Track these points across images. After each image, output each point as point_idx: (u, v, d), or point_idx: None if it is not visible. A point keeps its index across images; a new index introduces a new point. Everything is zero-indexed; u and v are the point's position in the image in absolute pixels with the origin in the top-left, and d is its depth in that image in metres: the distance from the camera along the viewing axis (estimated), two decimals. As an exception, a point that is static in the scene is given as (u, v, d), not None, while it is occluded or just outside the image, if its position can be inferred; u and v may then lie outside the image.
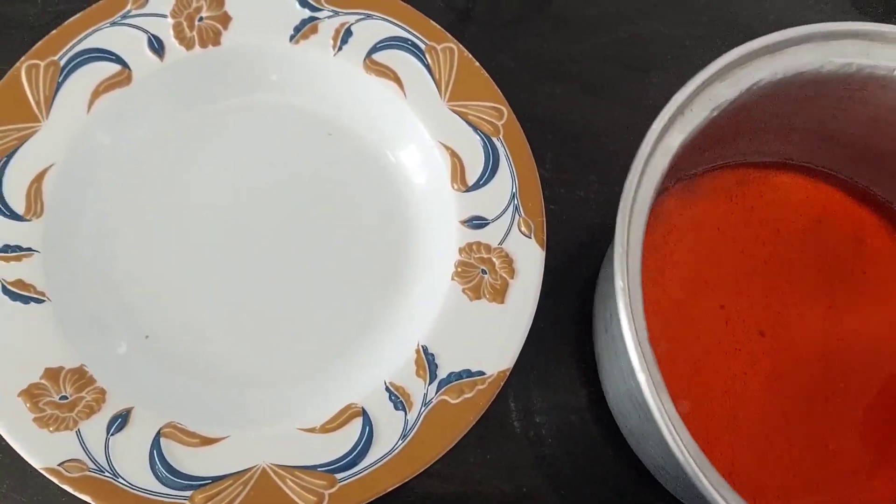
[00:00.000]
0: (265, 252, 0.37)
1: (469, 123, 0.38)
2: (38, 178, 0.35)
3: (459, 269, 0.36)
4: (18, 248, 0.34)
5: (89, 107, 0.37)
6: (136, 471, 0.32)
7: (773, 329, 0.35)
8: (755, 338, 0.35)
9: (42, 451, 0.31)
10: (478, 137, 0.38)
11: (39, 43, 0.37)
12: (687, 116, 0.29)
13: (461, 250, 0.36)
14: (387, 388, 0.34)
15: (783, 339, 0.35)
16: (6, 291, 0.33)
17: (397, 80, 0.39)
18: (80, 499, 0.31)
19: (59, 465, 0.31)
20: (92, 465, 0.31)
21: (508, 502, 0.36)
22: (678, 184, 0.37)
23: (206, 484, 0.32)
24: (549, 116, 0.42)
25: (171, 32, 0.38)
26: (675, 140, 0.29)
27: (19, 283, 0.34)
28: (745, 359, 0.35)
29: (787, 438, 0.34)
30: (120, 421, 0.32)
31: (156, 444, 0.32)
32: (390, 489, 0.32)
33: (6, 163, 0.35)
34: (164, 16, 0.38)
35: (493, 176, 0.37)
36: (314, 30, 0.39)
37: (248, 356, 0.36)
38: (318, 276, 0.37)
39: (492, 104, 0.38)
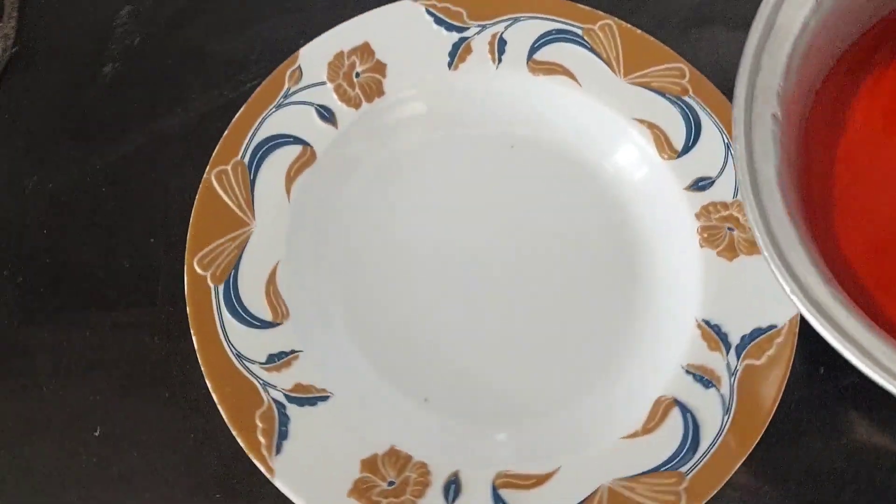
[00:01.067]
0: (505, 286, 0.37)
1: (655, 91, 0.37)
2: (271, 280, 0.34)
3: (705, 235, 0.35)
4: (283, 354, 0.33)
5: (289, 194, 0.36)
6: (490, 530, 0.31)
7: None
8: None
9: (395, 541, 0.30)
10: (669, 102, 0.37)
11: (218, 147, 0.36)
12: None
13: (698, 216, 0.36)
14: (687, 371, 0.34)
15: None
16: (292, 400, 0.32)
17: (567, 73, 0.38)
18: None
19: (418, 549, 0.30)
20: (448, 539, 0.31)
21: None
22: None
23: (563, 520, 0.31)
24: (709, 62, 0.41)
25: (335, 97, 0.37)
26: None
27: (298, 387, 0.33)
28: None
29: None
30: (454, 487, 0.32)
31: (497, 498, 0.32)
32: (737, 466, 0.32)
33: (236, 275, 0.34)
34: (323, 83, 0.37)
35: (699, 134, 0.37)
36: (468, 50, 0.38)
37: (517, 390, 0.35)
38: (560, 292, 0.37)
39: (670, 65, 0.38)
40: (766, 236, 0.26)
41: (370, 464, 0.32)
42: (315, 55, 0.37)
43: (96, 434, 0.35)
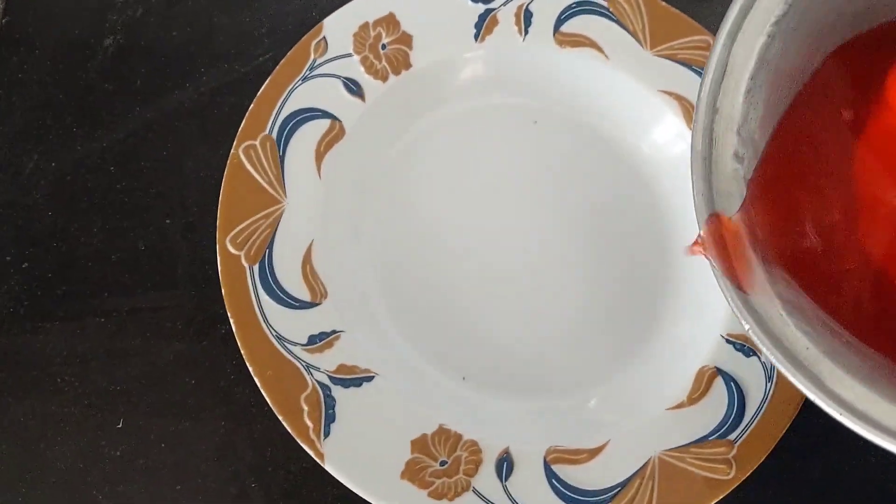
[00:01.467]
0: (540, 261, 0.36)
1: (682, 63, 0.37)
2: (307, 259, 0.33)
3: (737, 205, 0.35)
4: (324, 334, 0.32)
5: (319, 171, 0.34)
6: (548, 506, 0.31)
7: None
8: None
9: (454, 522, 0.30)
10: (696, 74, 0.37)
11: (245, 120, 0.34)
12: None
13: (729, 186, 0.36)
14: (728, 341, 0.34)
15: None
16: (336, 381, 0.31)
17: (594, 45, 0.38)
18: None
19: (476, 528, 0.30)
20: (506, 517, 0.30)
21: None
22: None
23: (617, 492, 0.31)
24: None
25: (362, 69, 0.36)
26: None
27: (343, 367, 0.32)
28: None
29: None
30: (506, 464, 0.31)
31: (550, 473, 0.31)
32: (783, 432, 0.32)
33: (271, 253, 0.32)
34: (350, 55, 0.36)
35: (727, 105, 0.37)
36: (494, 21, 0.37)
37: (555, 366, 0.35)
38: (596, 267, 0.36)
39: (696, 37, 0.38)
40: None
41: (420, 444, 0.31)
42: (340, 26, 0.36)
43: (119, 426, 0.33)
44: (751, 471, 0.31)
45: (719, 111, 0.27)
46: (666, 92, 0.37)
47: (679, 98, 0.37)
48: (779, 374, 0.32)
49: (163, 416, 0.33)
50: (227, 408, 0.33)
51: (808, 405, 0.33)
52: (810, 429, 0.35)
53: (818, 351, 0.24)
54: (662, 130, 0.37)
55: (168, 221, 0.36)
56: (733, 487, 0.31)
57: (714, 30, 0.38)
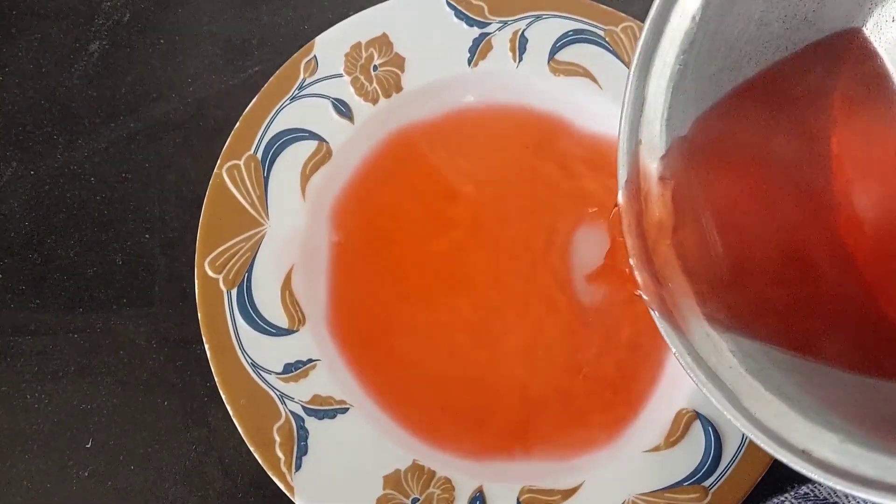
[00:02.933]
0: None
1: (676, 98, 0.37)
2: (287, 284, 0.32)
3: (724, 246, 0.35)
4: (300, 363, 0.32)
5: (304, 193, 0.34)
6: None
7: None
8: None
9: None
10: (689, 110, 0.37)
11: (230, 139, 0.33)
12: None
13: (717, 226, 0.35)
14: (708, 384, 0.33)
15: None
16: (310, 412, 0.31)
17: (588, 75, 0.37)
18: None
19: (446, 569, 0.29)
20: (476, 558, 0.30)
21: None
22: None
23: (589, 535, 0.31)
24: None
25: (352, 90, 0.35)
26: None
27: (317, 398, 0.31)
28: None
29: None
30: (479, 502, 0.31)
31: (523, 514, 0.31)
32: (760, 477, 0.32)
33: (249, 278, 0.32)
34: (340, 75, 0.35)
35: (720, 143, 0.36)
36: (489, 46, 0.37)
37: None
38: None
39: (691, 73, 0.37)
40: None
41: (393, 480, 0.31)
42: (332, 45, 0.35)
43: (88, 446, 0.33)
44: (724, 519, 0.31)
45: (641, 142, 0.27)
46: (659, 126, 0.36)
47: (672, 133, 0.36)
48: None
49: (133, 436, 0.33)
50: (198, 431, 0.33)
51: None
52: (786, 474, 0.34)
53: (742, 370, 0.24)
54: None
55: (147, 236, 0.35)
56: (706, 535, 0.31)
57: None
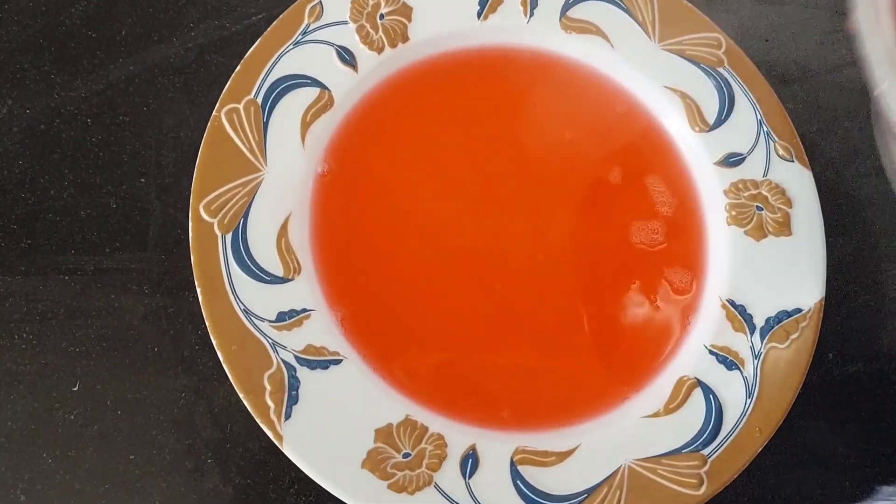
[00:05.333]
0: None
1: (690, 60, 0.36)
2: (283, 232, 0.32)
3: (733, 213, 0.34)
4: (294, 312, 0.31)
5: (303, 141, 0.33)
6: (510, 508, 0.29)
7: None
8: None
9: (412, 516, 0.29)
10: (703, 73, 0.36)
11: (230, 83, 0.32)
12: None
13: (726, 192, 0.35)
14: (711, 352, 0.33)
15: None
16: (303, 362, 0.30)
17: (601, 33, 0.36)
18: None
19: (434, 525, 0.29)
20: (466, 516, 0.29)
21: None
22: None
23: (583, 498, 0.30)
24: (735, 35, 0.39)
25: (357, 38, 0.34)
26: None
27: (310, 348, 0.30)
28: None
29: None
30: (472, 461, 0.30)
31: (516, 474, 0.30)
32: (759, 450, 0.31)
33: (245, 223, 0.31)
34: (345, 22, 0.34)
35: (732, 108, 0.36)
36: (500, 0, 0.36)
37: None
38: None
39: (706, 34, 0.36)
40: None
41: (385, 434, 0.30)
42: (338, -10, 0.34)
43: (75, 389, 0.32)
44: (721, 488, 0.30)
45: None
46: (671, 88, 0.36)
47: (684, 96, 0.36)
48: (759, 390, 0.31)
49: (121, 381, 0.32)
50: (188, 378, 0.32)
51: (785, 424, 0.32)
52: (785, 447, 0.34)
53: None
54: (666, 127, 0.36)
55: (142, 180, 0.34)
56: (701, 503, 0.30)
57: (727, 28, 0.36)
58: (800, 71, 0.39)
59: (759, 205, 0.34)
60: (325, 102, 0.33)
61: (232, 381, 0.29)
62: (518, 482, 0.30)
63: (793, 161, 0.35)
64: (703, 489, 0.30)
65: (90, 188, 0.34)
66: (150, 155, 0.35)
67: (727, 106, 0.35)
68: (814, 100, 0.39)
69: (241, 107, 0.32)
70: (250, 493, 0.31)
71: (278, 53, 0.33)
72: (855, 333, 0.36)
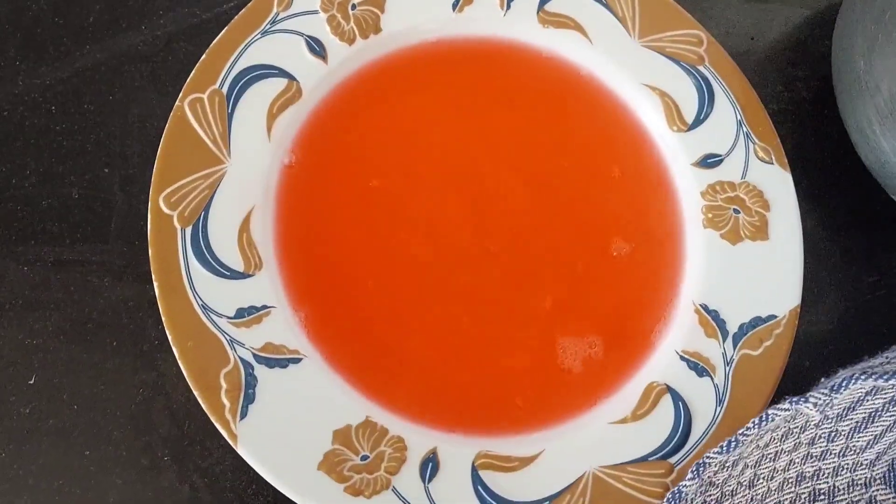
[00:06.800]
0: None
1: (669, 58, 0.35)
2: (245, 227, 0.31)
3: (709, 216, 0.34)
4: (253, 308, 0.30)
5: (269, 132, 0.32)
6: (469, 513, 0.29)
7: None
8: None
9: (368, 520, 0.28)
10: (683, 71, 0.35)
11: (194, 72, 0.32)
12: None
13: (703, 194, 0.34)
14: (682, 358, 0.32)
15: None
16: (261, 360, 0.29)
17: (578, 28, 0.35)
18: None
19: (390, 530, 0.28)
20: (424, 521, 0.28)
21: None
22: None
23: (545, 506, 0.29)
24: (718, 32, 0.39)
25: (328, 29, 0.33)
26: None
27: (269, 346, 0.30)
28: None
29: None
30: (431, 465, 0.29)
31: (477, 479, 0.29)
32: (728, 459, 0.30)
33: (206, 217, 0.30)
34: (315, 12, 0.33)
35: (712, 108, 0.35)
36: (476, -8, 0.35)
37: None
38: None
39: (688, 31, 0.35)
40: None
41: (343, 435, 0.29)
42: (308, -21, 0.33)
43: (31, 382, 0.31)
44: (687, 497, 0.29)
45: None
46: (650, 86, 0.35)
47: (662, 94, 0.35)
48: (730, 397, 0.31)
49: (79, 375, 0.32)
50: (147, 374, 0.32)
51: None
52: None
53: None
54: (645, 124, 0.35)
55: (106, 171, 0.34)
56: (667, 513, 0.29)
57: (709, 26, 0.36)
58: (782, 71, 0.39)
59: (735, 207, 0.33)
60: (292, 94, 0.33)
61: (187, 377, 0.28)
62: (479, 487, 0.29)
63: (772, 163, 0.34)
64: (668, 498, 0.29)
65: (52, 177, 0.33)
66: (114, 145, 0.34)
67: (706, 105, 0.35)
68: (797, 101, 0.38)
69: (205, 97, 0.31)
70: (207, 491, 0.31)
71: (245, 43, 0.32)
72: (832, 340, 0.35)
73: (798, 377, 0.35)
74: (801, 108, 0.38)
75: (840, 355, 0.35)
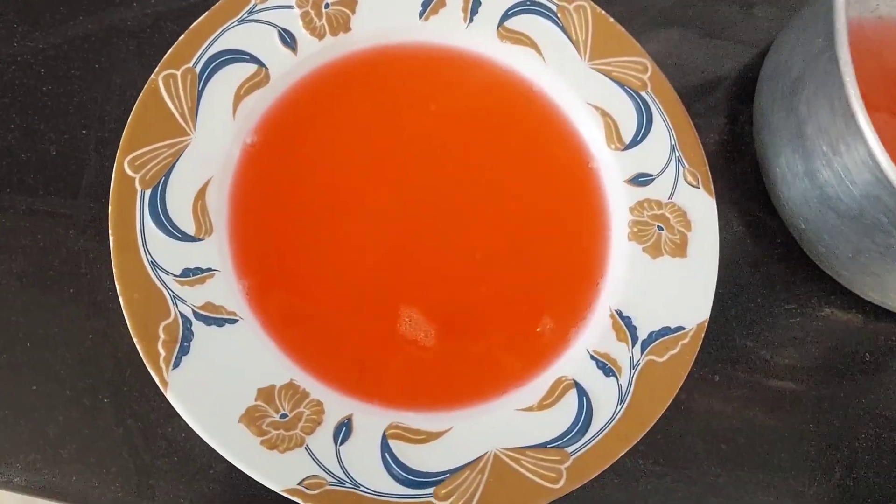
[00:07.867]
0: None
1: (615, 81, 0.38)
2: (201, 195, 0.34)
3: (635, 230, 0.36)
4: (199, 270, 0.33)
5: (234, 111, 0.35)
6: (374, 477, 0.31)
7: None
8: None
9: (278, 473, 0.31)
10: (626, 94, 0.38)
11: (171, 50, 0.34)
12: None
13: (632, 210, 0.36)
14: (592, 357, 0.34)
15: None
16: (199, 317, 0.32)
17: (534, 46, 0.38)
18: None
19: (298, 484, 0.30)
20: (330, 479, 0.31)
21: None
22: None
23: (445, 478, 0.32)
24: (672, 63, 0.41)
25: (301, 23, 0.36)
26: None
27: (209, 306, 0.32)
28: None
29: None
30: (345, 430, 0.32)
31: (385, 447, 0.32)
32: (622, 454, 0.33)
33: (165, 182, 0.33)
34: (291, 7, 0.36)
35: (649, 131, 0.37)
36: (442, 3, 0.38)
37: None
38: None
39: (634, 58, 0.38)
40: None
41: (266, 393, 0.32)
42: (286, -24, 0.36)
43: (-9, 318, 0.34)
44: (579, 485, 0.32)
45: None
46: (594, 105, 0.37)
47: (605, 113, 0.37)
48: (632, 398, 0.33)
49: (35, 316, 0.34)
50: (98, 321, 0.34)
51: (662, 437, 0.34)
52: (659, 458, 0.35)
53: None
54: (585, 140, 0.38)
55: (84, 132, 0.36)
56: (558, 497, 0.31)
57: (664, 56, 0.38)
58: (728, 104, 0.41)
59: (660, 224, 0.36)
60: (260, 79, 0.35)
61: (129, 326, 0.31)
62: (386, 454, 0.32)
63: (699, 188, 0.36)
64: (561, 483, 0.32)
65: (34, 133, 0.36)
66: (94, 109, 0.37)
67: (644, 128, 0.37)
68: (737, 134, 0.41)
69: (178, 73, 0.34)
70: (140, 435, 0.33)
71: (223, 28, 0.35)
72: (744, 360, 0.38)
73: (707, 390, 0.37)
74: (741, 140, 0.41)
75: (748, 373, 0.37)
